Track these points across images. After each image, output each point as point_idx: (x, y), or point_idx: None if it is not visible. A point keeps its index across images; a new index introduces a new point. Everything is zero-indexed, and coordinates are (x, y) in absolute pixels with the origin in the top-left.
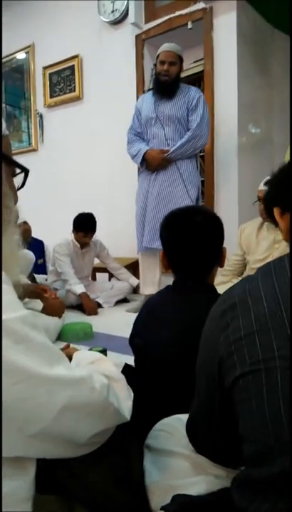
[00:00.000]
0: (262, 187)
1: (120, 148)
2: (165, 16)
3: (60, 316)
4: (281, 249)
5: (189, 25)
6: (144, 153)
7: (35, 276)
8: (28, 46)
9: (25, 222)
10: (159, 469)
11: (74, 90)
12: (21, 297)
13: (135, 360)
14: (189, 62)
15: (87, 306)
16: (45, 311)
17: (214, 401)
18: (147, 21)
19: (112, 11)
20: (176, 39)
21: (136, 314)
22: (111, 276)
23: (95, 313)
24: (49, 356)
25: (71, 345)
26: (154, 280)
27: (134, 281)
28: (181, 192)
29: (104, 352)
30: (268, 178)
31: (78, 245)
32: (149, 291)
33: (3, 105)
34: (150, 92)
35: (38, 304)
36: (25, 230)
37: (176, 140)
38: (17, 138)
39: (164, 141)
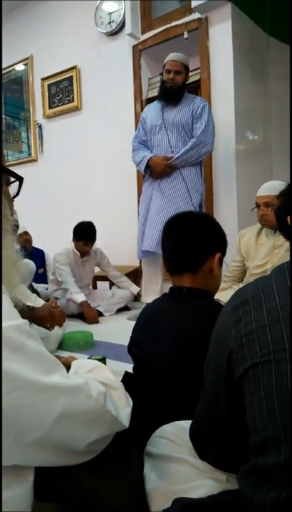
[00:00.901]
0: (261, 193)
1: (118, 157)
2: (161, 26)
3: (60, 325)
4: (281, 254)
5: (185, 35)
6: (149, 160)
7: (36, 285)
8: (27, 58)
9: (26, 232)
10: (159, 475)
11: (73, 101)
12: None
13: (134, 368)
14: None
15: (88, 314)
16: (46, 320)
17: (220, 396)
18: (143, 32)
19: (109, 23)
20: (173, 49)
21: None
22: (112, 284)
23: (96, 321)
24: (45, 364)
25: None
26: (155, 288)
27: (135, 289)
28: (184, 199)
29: (103, 360)
30: (283, 188)
31: (78, 254)
32: (151, 299)
33: (3, 116)
34: (156, 101)
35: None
36: (26, 239)
37: (181, 147)
38: (17, 148)
39: (168, 148)
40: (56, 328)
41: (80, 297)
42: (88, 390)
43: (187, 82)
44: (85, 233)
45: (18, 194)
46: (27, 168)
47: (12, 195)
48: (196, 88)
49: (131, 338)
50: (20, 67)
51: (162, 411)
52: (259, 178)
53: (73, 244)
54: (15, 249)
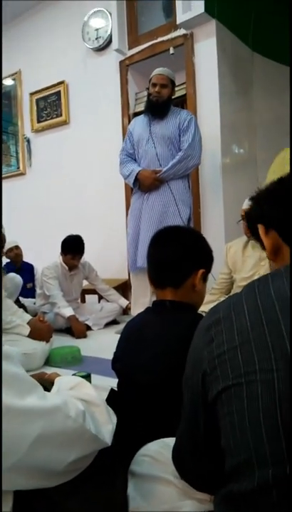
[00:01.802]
0: (245, 205)
1: (106, 170)
2: (148, 42)
3: (47, 341)
4: (267, 266)
5: (171, 51)
6: (137, 174)
7: (24, 300)
8: (15, 73)
9: (16, 247)
10: (143, 496)
11: (60, 115)
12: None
13: (118, 384)
14: None
15: (75, 329)
16: (32, 335)
17: (198, 417)
18: (130, 47)
19: (97, 38)
20: (159, 64)
21: None
22: (100, 298)
23: (84, 336)
24: (20, 387)
25: (56, 370)
26: (144, 301)
27: (123, 302)
28: (173, 212)
29: (88, 377)
30: (253, 194)
31: (66, 268)
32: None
33: None
34: (143, 115)
35: (25, 329)
36: (17, 254)
37: (168, 159)
38: (5, 162)
39: (156, 161)
40: (43, 343)
41: (68, 311)
42: (66, 410)
43: (173, 97)
44: (73, 247)
45: None
46: (15, 181)
47: None
48: (182, 103)
49: (115, 353)
50: (8, 82)
51: (147, 428)
52: (245, 191)
53: (60, 257)
54: None
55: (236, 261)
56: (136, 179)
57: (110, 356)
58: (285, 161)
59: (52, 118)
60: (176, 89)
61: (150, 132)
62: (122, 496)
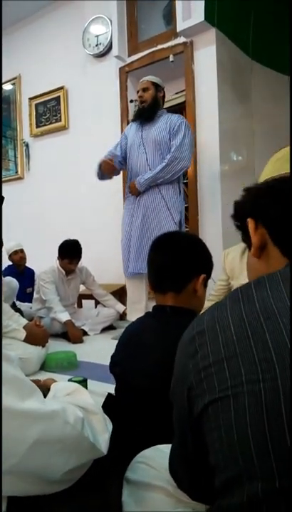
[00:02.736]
0: None
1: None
2: (147, 49)
3: (43, 345)
4: None
5: (171, 58)
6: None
7: (20, 304)
8: (15, 78)
9: (21, 250)
10: (137, 503)
11: (60, 120)
12: None
13: (116, 389)
14: (172, 93)
15: (72, 334)
16: (28, 339)
17: (185, 432)
18: (130, 54)
19: (97, 45)
20: (159, 71)
21: None
22: (97, 303)
23: (81, 341)
24: (20, 389)
25: (52, 375)
26: (140, 306)
27: (120, 307)
28: (165, 216)
29: (84, 382)
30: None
31: (63, 272)
32: (136, 318)
33: None
34: (137, 121)
35: (21, 333)
36: (21, 257)
37: (158, 164)
38: (4, 166)
39: (146, 165)
40: (39, 348)
41: (64, 316)
42: (65, 416)
43: (173, 104)
44: (70, 251)
45: None
46: (14, 185)
47: None
48: (181, 110)
49: (113, 356)
50: (8, 87)
51: (145, 433)
52: None
53: (58, 262)
54: None
55: (234, 267)
56: (100, 168)
57: (107, 362)
58: (284, 159)
59: (51, 123)
60: (175, 96)
61: (141, 137)
62: (116, 502)
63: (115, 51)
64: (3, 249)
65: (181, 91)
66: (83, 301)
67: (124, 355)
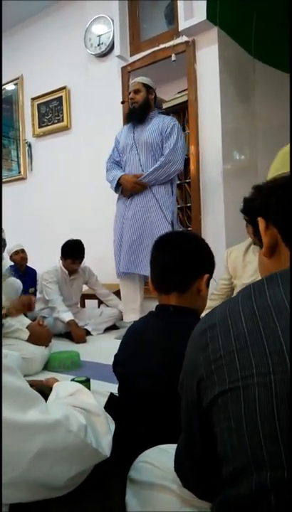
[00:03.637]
0: None
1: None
2: (149, 49)
3: (46, 345)
4: None
5: (173, 58)
6: (119, 179)
7: None
8: (17, 78)
9: (22, 250)
10: (141, 503)
11: (62, 120)
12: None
13: (119, 389)
14: (174, 92)
15: (75, 333)
16: (31, 339)
17: (193, 424)
18: (132, 54)
19: (99, 45)
20: (161, 71)
21: None
22: (100, 302)
23: (84, 341)
24: (23, 401)
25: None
26: (135, 306)
27: None
28: (158, 216)
29: (87, 382)
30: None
31: (66, 272)
32: (131, 318)
33: None
34: (129, 123)
35: (24, 333)
36: (22, 257)
37: (151, 166)
38: (6, 167)
39: (139, 166)
40: (42, 348)
41: (67, 316)
42: (68, 425)
43: (175, 104)
44: (73, 251)
45: None
46: (16, 186)
47: None
48: (183, 109)
49: (116, 356)
50: (10, 87)
51: (148, 433)
52: None
53: (60, 262)
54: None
55: (237, 266)
56: (118, 184)
57: (110, 361)
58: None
59: (53, 123)
60: (178, 96)
61: (134, 139)
62: (120, 503)
63: (117, 51)
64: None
65: (184, 90)
66: (86, 301)
67: (127, 354)
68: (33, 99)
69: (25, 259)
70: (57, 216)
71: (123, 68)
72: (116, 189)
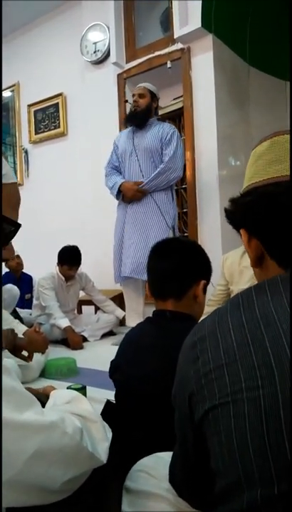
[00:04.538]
0: None
1: (103, 182)
2: (145, 56)
3: (43, 352)
4: None
5: (169, 65)
6: (120, 186)
7: (20, 310)
8: (14, 85)
9: (18, 256)
10: None
11: (58, 127)
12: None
13: (116, 395)
14: (170, 99)
15: (71, 340)
16: (27, 346)
17: (187, 437)
18: (127, 61)
19: (95, 52)
20: (157, 78)
21: None
22: (97, 308)
23: (80, 347)
24: (19, 401)
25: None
26: (138, 311)
27: (120, 313)
28: (158, 221)
29: (83, 389)
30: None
31: (63, 278)
32: (135, 323)
33: None
34: (128, 129)
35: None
36: (18, 263)
37: (151, 172)
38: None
39: (139, 172)
40: (39, 355)
41: (64, 322)
42: (63, 427)
43: (170, 110)
44: (69, 257)
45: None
46: None
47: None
48: (179, 115)
49: (112, 362)
50: (7, 94)
51: (145, 439)
52: None
53: (57, 268)
54: None
55: (233, 272)
56: (119, 191)
57: (107, 368)
58: (267, 158)
59: (50, 130)
60: (173, 102)
61: (133, 145)
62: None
63: (112, 58)
64: None
65: (179, 97)
66: (83, 307)
67: (124, 360)
68: (30, 105)
69: (21, 264)
70: (53, 222)
71: (119, 75)
72: (117, 196)
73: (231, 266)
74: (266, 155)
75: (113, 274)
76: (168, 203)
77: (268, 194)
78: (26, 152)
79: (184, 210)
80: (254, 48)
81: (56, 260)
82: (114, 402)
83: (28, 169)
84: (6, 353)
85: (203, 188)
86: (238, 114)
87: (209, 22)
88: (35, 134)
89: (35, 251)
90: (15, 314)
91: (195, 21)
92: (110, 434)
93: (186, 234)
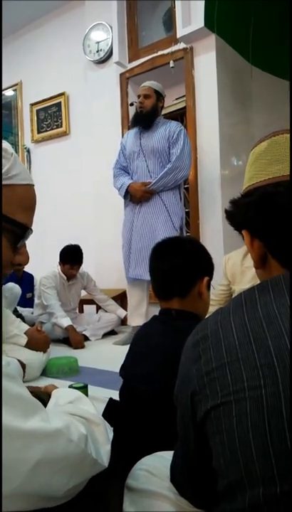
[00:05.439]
0: None
1: (105, 182)
2: (148, 55)
3: (44, 351)
4: None
5: (171, 64)
6: (128, 187)
7: (22, 309)
8: (16, 84)
9: None
10: (138, 511)
11: (61, 126)
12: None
13: (120, 392)
14: (172, 99)
15: (73, 339)
16: (29, 345)
17: (189, 436)
18: (130, 61)
19: (97, 51)
20: (159, 77)
21: (123, 347)
22: (99, 308)
23: (82, 346)
24: (24, 408)
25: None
26: (141, 312)
27: (121, 312)
28: (165, 222)
29: (85, 388)
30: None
31: (65, 277)
32: (136, 323)
33: None
34: (135, 128)
35: (22, 339)
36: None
37: (159, 173)
38: None
39: (147, 173)
40: (40, 353)
41: (65, 321)
42: (68, 434)
43: (173, 110)
44: (71, 256)
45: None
46: None
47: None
48: (181, 115)
49: (124, 361)
50: (9, 93)
51: (147, 438)
52: None
53: (59, 267)
54: None
55: (235, 272)
56: (127, 192)
57: (107, 367)
58: (266, 158)
59: (52, 129)
60: (175, 102)
61: (140, 145)
62: (117, 510)
63: (115, 57)
64: None
65: (182, 96)
66: (85, 307)
67: (131, 358)
68: (32, 104)
69: None
70: (55, 221)
71: (121, 75)
72: (125, 197)
73: (233, 266)
74: (265, 155)
75: (122, 273)
76: (176, 203)
77: (268, 194)
78: (28, 151)
79: (186, 210)
80: (257, 47)
81: (58, 259)
82: (117, 400)
83: (30, 168)
84: (7, 352)
85: (205, 188)
86: (240, 113)
87: (211, 22)
88: (38, 133)
89: (37, 250)
90: (16, 313)
91: (198, 21)
92: (111, 435)
93: (188, 233)
